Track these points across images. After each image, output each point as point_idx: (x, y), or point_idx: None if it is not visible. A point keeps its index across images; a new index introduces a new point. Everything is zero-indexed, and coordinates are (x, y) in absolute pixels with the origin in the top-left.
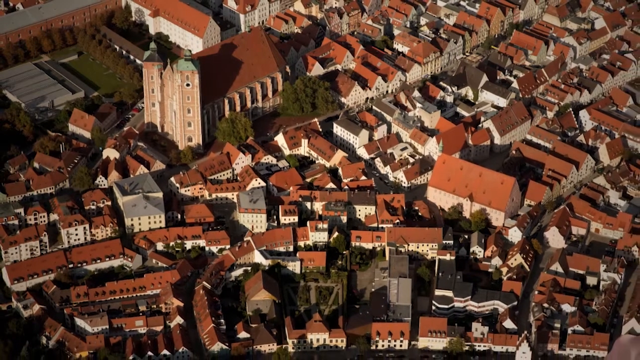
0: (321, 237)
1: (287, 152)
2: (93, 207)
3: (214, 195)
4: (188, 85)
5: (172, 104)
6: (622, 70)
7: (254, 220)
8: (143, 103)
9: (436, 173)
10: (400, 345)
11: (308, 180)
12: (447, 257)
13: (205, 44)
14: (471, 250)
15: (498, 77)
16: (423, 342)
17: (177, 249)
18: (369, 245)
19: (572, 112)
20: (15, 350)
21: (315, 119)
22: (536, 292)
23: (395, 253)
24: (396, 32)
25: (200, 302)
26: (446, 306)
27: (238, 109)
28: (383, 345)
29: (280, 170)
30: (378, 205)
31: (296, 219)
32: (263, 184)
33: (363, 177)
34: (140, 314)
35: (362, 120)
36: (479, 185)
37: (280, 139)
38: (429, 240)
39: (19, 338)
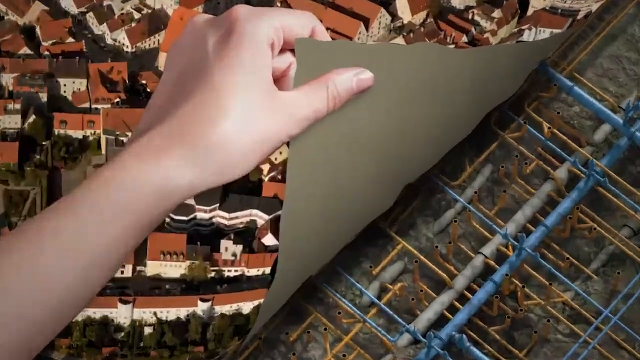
0: (12, 121)
1: None
2: None
3: None
4: None
5: None
6: None
7: None
8: None
9: (171, 34)
10: (122, 273)
11: None
12: None
13: None
14: None
15: None
16: (153, 268)
17: None
18: (78, 134)
19: None
20: None
21: None
22: None
23: (115, 144)
24: None
25: None
26: (185, 218)
27: None
28: None
29: None
30: (91, 77)
31: None
32: None
33: (70, 39)
34: None
35: None
36: None
37: None
38: None
39: None
